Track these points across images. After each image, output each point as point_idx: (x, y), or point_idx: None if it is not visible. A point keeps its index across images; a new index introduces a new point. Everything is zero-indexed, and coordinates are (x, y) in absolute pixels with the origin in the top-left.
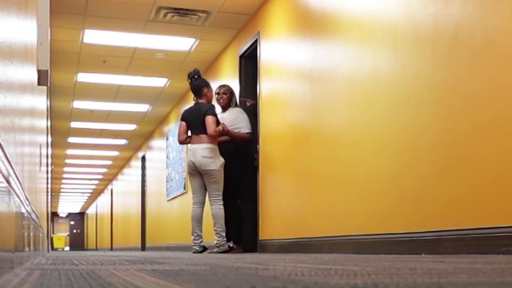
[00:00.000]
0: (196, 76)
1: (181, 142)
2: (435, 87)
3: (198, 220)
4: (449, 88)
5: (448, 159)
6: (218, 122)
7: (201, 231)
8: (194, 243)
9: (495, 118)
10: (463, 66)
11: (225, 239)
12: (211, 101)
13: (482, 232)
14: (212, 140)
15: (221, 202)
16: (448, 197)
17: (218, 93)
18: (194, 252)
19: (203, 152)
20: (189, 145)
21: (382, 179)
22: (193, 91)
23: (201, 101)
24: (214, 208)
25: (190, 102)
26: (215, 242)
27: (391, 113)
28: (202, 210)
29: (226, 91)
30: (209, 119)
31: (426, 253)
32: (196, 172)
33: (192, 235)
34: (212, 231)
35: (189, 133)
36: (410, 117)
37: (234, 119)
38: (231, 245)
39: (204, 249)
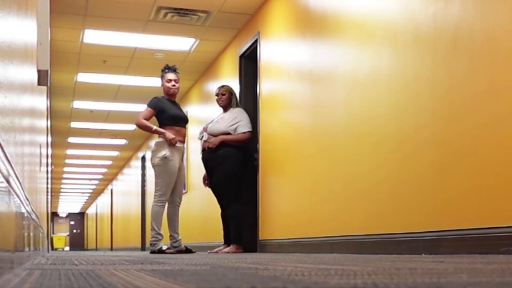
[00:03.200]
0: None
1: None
2: (435, 87)
3: (168, 221)
4: (449, 88)
5: (448, 159)
6: (158, 114)
7: (174, 232)
8: (169, 243)
9: (495, 118)
10: (463, 66)
11: (154, 239)
12: (166, 91)
13: (482, 232)
14: (163, 136)
15: (159, 199)
16: (448, 197)
17: (217, 94)
18: (150, 252)
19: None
20: None
21: (382, 179)
22: None
23: (162, 95)
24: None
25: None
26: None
27: (391, 113)
28: (172, 209)
29: (225, 91)
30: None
31: (426, 253)
32: None
33: None
34: (180, 232)
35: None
36: (410, 117)
37: (233, 119)
38: (163, 248)
39: (185, 249)
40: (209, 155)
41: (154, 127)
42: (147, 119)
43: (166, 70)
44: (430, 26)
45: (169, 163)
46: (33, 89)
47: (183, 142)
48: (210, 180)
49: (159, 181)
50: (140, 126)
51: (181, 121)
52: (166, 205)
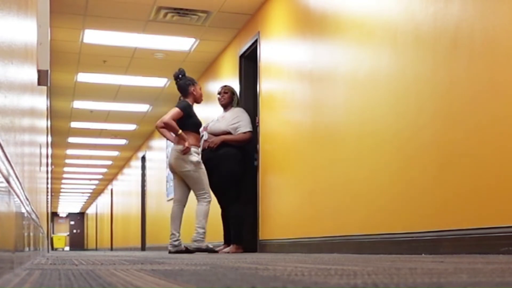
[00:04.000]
0: (180, 76)
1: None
2: (435, 87)
3: (173, 219)
4: (449, 88)
5: (448, 158)
6: (184, 118)
7: (176, 230)
8: (169, 242)
9: (495, 118)
10: (463, 66)
11: (201, 236)
12: (198, 98)
13: (482, 232)
14: (181, 141)
15: (203, 199)
16: (448, 197)
17: (219, 93)
18: (168, 252)
19: (174, 153)
20: None
21: (382, 179)
22: (179, 91)
23: (187, 100)
24: (197, 206)
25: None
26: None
27: (391, 113)
28: (179, 209)
29: (227, 90)
30: (170, 110)
31: (426, 253)
32: (173, 171)
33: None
34: (190, 232)
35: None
36: (410, 117)
37: (234, 118)
38: (210, 246)
39: (185, 250)
40: (210, 154)
41: (180, 131)
42: (175, 120)
43: (195, 80)
44: (430, 26)
45: (200, 165)
46: (33, 89)
47: (199, 146)
48: (210, 180)
49: (199, 186)
50: (168, 125)
51: (200, 127)
52: (173, 205)
